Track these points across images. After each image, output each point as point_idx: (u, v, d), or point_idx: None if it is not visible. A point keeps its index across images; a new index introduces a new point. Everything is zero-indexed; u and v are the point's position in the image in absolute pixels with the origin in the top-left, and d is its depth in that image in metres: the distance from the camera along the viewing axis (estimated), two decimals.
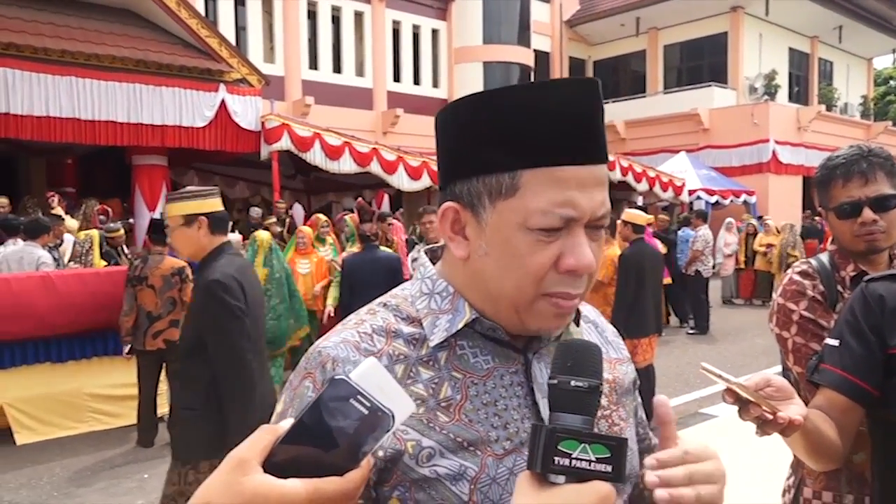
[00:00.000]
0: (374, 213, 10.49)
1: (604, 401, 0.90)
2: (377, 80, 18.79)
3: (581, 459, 0.62)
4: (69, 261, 7.12)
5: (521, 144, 0.76)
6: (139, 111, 9.57)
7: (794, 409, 1.12)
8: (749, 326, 10.35)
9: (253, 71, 11.37)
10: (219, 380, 2.46)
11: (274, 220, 9.81)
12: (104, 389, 5.81)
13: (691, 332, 10.07)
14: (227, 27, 15.54)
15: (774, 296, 1.80)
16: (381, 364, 0.78)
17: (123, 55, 9.76)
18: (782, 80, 21.82)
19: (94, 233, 7.94)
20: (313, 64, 17.80)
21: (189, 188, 2.69)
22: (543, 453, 0.62)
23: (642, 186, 15.70)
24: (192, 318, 2.60)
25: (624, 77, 24.39)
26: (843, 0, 21.97)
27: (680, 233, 10.99)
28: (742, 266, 13.07)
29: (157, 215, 9.49)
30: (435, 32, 20.30)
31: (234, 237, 7.18)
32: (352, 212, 10.20)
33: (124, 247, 7.98)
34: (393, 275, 5.29)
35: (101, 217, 9.39)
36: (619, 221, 6.15)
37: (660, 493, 0.67)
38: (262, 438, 0.57)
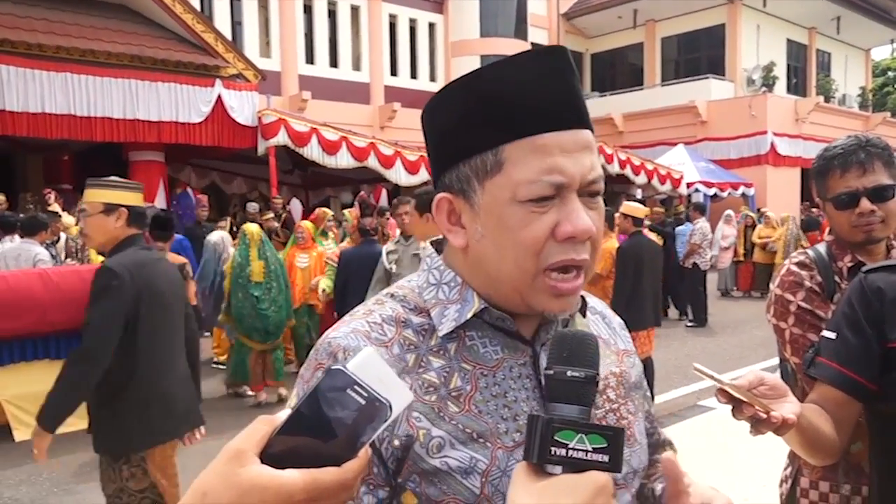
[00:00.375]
0: (375, 207, 10.49)
1: (612, 394, 0.90)
2: (374, 75, 18.75)
3: (578, 450, 0.62)
4: (66, 257, 7.11)
5: (498, 120, 0.77)
6: (135, 107, 9.56)
7: (787, 408, 1.11)
8: (748, 318, 10.36)
9: (249, 66, 11.34)
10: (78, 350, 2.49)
11: (271, 215, 9.80)
12: None
13: (690, 324, 10.09)
14: (222, 22, 15.47)
15: (772, 286, 1.80)
16: (382, 354, 0.78)
17: (119, 51, 9.73)
18: (780, 71, 21.77)
19: None
20: (310, 58, 17.75)
21: (114, 178, 2.69)
22: (540, 444, 0.62)
23: (640, 179, 15.71)
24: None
25: (621, 70, 24.34)
26: None
27: (682, 228, 10.99)
28: (741, 258, 13.08)
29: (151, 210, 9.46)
30: (432, 26, 20.24)
31: (224, 234, 7.18)
32: (351, 206, 10.20)
33: None
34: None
35: None
36: (617, 214, 6.15)
37: None
38: (258, 429, 0.57)
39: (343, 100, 17.44)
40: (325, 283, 6.19)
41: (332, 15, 18.17)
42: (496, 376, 0.81)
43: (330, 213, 8.11)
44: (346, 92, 17.83)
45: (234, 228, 8.81)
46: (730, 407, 1.12)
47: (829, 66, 24.93)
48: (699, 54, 22.15)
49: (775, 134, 19.44)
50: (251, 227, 6.25)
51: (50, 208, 8.68)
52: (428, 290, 0.86)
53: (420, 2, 19.76)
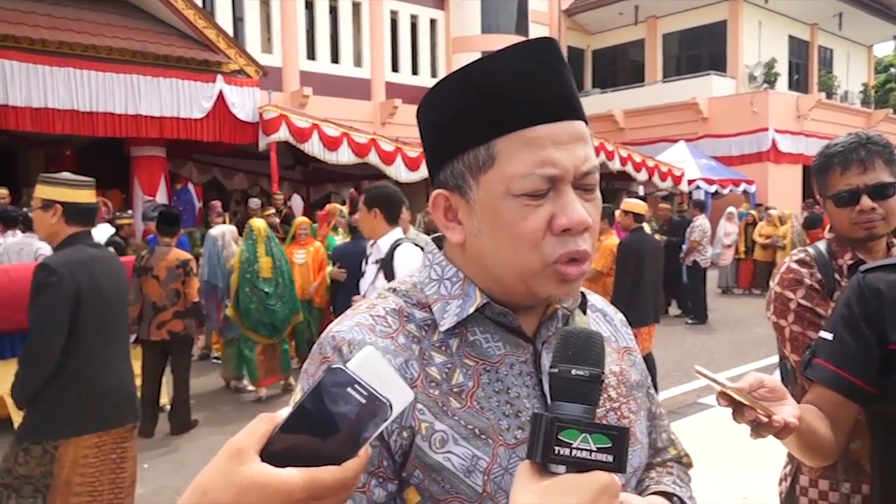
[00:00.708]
0: None
1: (613, 393, 0.89)
2: (375, 71, 18.73)
3: (581, 449, 0.61)
4: None
5: (489, 114, 0.76)
6: (137, 102, 9.56)
7: (787, 410, 1.11)
8: (748, 316, 10.36)
9: (250, 62, 11.34)
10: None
11: (273, 211, 9.81)
12: None
13: (690, 322, 10.09)
14: (224, 18, 15.45)
15: (772, 284, 1.80)
16: (388, 345, 0.79)
17: (121, 46, 9.74)
18: (782, 68, 21.73)
19: None
20: (311, 54, 17.72)
21: (62, 175, 2.71)
22: (544, 443, 0.62)
23: (642, 176, 15.68)
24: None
25: (623, 66, 24.29)
26: None
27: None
28: (741, 256, 13.07)
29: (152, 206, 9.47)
30: (433, 22, 20.21)
31: (230, 228, 7.17)
32: (345, 203, 10.21)
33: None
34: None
35: (104, 209, 9.39)
36: (618, 211, 6.15)
37: None
38: (259, 427, 0.57)
39: (344, 96, 17.43)
40: (329, 269, 6.28)
41: (333, 11, 18.14)
42: (499, 372, 0.81)
43: (341, 208, 8.14)
44: (347, 88, 17.81)
45: (235, 225, 8.81)
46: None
47: (831, 62, 24.86)
48: (700, 51, 22.10)
49: (777, 131, 19.40)
50: (258, 223, 6.28)
51: None
52: (430, 286, 0.86)
53: None
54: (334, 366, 0.58)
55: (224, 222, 8.99)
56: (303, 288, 6.78)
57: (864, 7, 22.93)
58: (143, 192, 10.73)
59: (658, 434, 1.01)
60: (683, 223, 10.89)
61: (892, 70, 33.77)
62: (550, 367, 0.67)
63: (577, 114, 0.78)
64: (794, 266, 1.75)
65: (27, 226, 6.23)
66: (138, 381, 5.69)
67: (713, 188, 17.40)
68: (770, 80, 20.56)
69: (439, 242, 0.91)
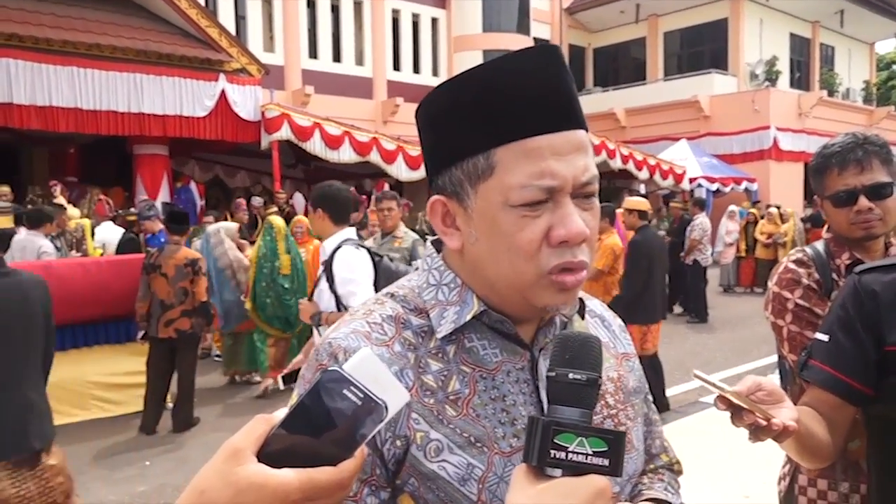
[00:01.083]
0: (363, 202, 10.50)
1: (610, 399, 0.89)
2: (377, 69, 18.72)
3: (578, 453, 0.62)
4: (70, 250, 7.16)
5: (489, 123, 0.75)
6: (140, 101, 9.60)
7: (786, 413, 1.10)
8: (750, 314, 10.36)
9: (252, 60, 11.36)
10: None
11: (275, 209, 9.83)
12: (107, 377, 5.85)
13: (692, 320, 10.09)
14: (226, 17, 15.47)
15: (770, 284, 1.80)
16: (383, 353, 0.78)
17: (124, 45, 9.78)
18: (783, 65, 21.68)
19: (86, 221, 7.97)
20: (313, 53, 17.73)
21: None
22: (540, 446, 0.62)
23: (643, 174, 15.68)
24: None
25: (624, 64, 24.26)
26: None
27: None
28: (743, 254, 13.06)
29: (157, 203, 9.49)
30: (434, 21, 20.19)
31: (227, 225, 7.20)
32: None
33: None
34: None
35: (107, 206, 9.43)
36: (620, 210, 6.17)
37: None
38: (256, 428, 0.58)
39: (346, 94, 17.43)
40: None
41: (335, 10, 18.14)
42: (496, 379, 0.81)
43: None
44: (348, 86, 17.81)
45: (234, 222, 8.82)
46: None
47: (832, 60, 24.81)
48: (702, 49, 22.06)
49: (778, 129, 19.38)
50: (277, 221, 6.40)
51: (56, 201, 8.71)
52: (427, 291, 0.85)
53: None
54: (331, 368, 0.58)
55: (226, 219, 9.00)
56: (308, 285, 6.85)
57: (866, 4, 22.88)
58: (145, 190, 10.76)
59: (652, 440, 1.00)
60: (684, 222, 10.90)
61: (895, 67, 33.68)
62: (548, 371, 0.67)
63: (577, 123, 0.77)
64: (792, 266, 1.75)
65: (30, 223, 6.26)
66: (135, 380, 5.81)
67: (714, 186, 17.38)
68: (771, 77, 20.53)
69: (438, 245, 0.90)
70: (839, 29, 24.17)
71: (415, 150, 11.96)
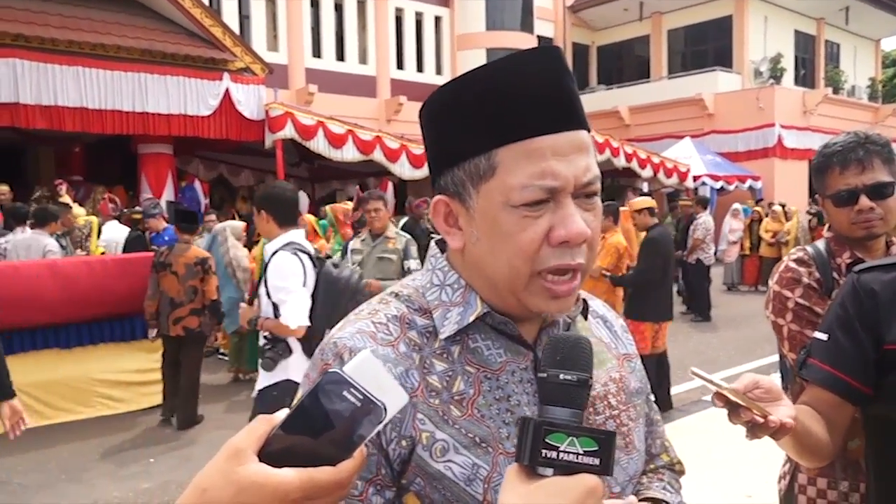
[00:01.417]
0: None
1: (613, 400, 0.90)
2: (380, 68, 18.73)
3: (568, 452, 0.62)
4: (75, 248, 7.19)
5: (490, 124, 0.76)
6: (144, 100, 9.64)
7: (783, 411, 1.10)
8: (753, 313, 10.32)
9: (256, 59, 11.38)
10: None
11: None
12: (111, 375, 5.88)
13: (695, 319, 10.08)
14: (230, 16, 15.50)
15: (770, 283, 1.80)
16: (389, 353, 0.79)
17: (129, 45, 9.83)
18: (788, 63, 21.59)
19: (94, 219, 8.00)
20: (316, 52, 17.75)
21: None
22: (531, 446, 0.63)
23: (647, 173, 15.64)
24: None
25: (628, 62, 24.20)
26: None
27: None
28: (747, 252, 13.03)
29: (162, 202, 9.52)
30: (438, 19, 20.18)
31: (233, 224, 7.22)
32: (351, 200, 10.22)
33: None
34: None
35: (112, 205, 9.47)
36: (624, 209, 6.17)
37: None
38: (257, 428, 0.59)
39: (349, 93, 17.45)
40: None
41: (338, 8, 18.15)
42: (500, 379, 0.81)
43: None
44: (352, 85, 17.83)
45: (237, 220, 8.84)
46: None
47: (837, 57, 24.70)
48: (706, 46, 21.99)
49: (783, 126, 19.32)
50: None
51: (61, 200, 8.76)
52: (431, 291, 0.86)
53: None
54: (331, 370, 0.59)
55: (233, 218, 9.03)
56: None
57: (871, 1, 22.76)
58: (150, 188, 10.80)
59: (653, 440, 1.01)
60: (691, 221, 10.87)
61: None
62: (539, 372, 0.68)
63: (579, 123, 0.78)
64: (793, 265, 1.75)
65: (37, 223, 6.29)
66: (140, 378, 5.88)
67: (719, 184, 17.33)
68: (776, 75, 20.45)
69: (442, 245, 0.91)
70: (844, 26, 24.05)
71: (418, 149, 11.96)
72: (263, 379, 3.24)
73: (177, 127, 10.00)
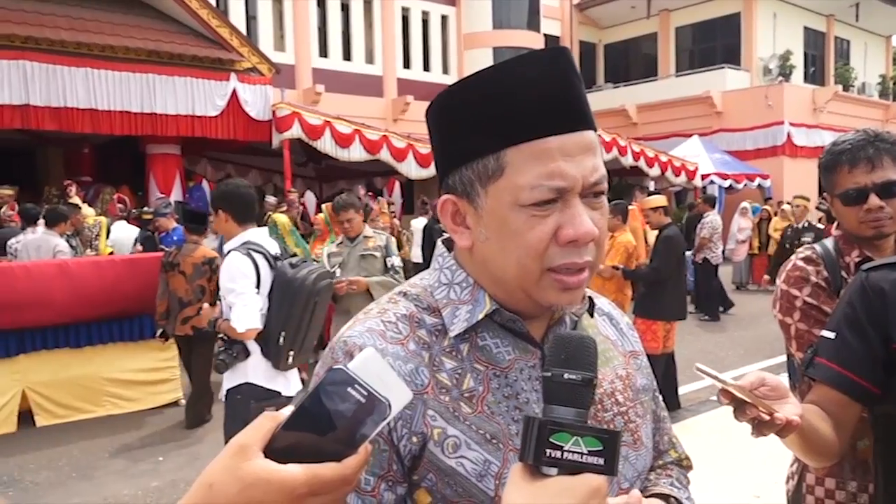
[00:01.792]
0: (374, 199, 10.53)
1: (620, 397, 0.90)
2: (387, 68, 18.74)
3: (573, 452, 0.62)
4: (86, 249, 7.24)
5: (499, 124, 0.77)
6: (153, 101, 9.69)
7: (789, 409, 1.10)
8: (762, 312, 10.26)
9: (263, 60, 11.41)
10: None
11: (286, 207, 9.88)
12: (121, 374, 5.92)
13: (704, 319, 10.03)
14: (237, 16, 15.55)
15: (778, 281, 1.79)
16: (399, 351, 0.80)
17: (137, 46, 9.88)
18: (797, 60, 21.46)
19: (103, 219, 8.06)
20: (323, 52, 17.78)
21: None
22: (536, 445, 0.63)
23: (654, 171, 15.58)
24: None
25: (635, 60, 24.11)
26: None
27: None
28: (756, 251, 12.96)
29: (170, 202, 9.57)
30: (444, 18, 20.17)
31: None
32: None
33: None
34: None
35: (120, 206, 9.53)
36: (632, 207, 6.15)
37: None
38: (263, 425, 0.59)
39: (356, 93, 17.47)
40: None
41: (345, 8, 18.18)
42: (508, 377, 0.82)
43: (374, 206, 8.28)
44: (359, 85, 17.85)
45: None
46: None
47: (847, 53, 24.52)
48: (714, 44, 21.89)
49: (792, 124, 19.20)
50: (281, 218, 6.42)
51: (71, 200, 8.82)
52: (439, 290, 0.86)
53: None
54: (335, 366, 0.60)
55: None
56: None
57: None
58: (158, 189, 10.86)
59: (661, 436, 1.02)
60: (696, 220, 10.82)
61: None
62: (543, 371, 0.68)
63: (587, 123, 0.79)
64: (801, 264, 1.73)
65: (48, 223, 6.35)
66: (149, 377, 5.95)
67: (727, 183, 17.25)
68: (785, 72, 20.33)
69: (449, 244, 0.91)
70: (854, 22, 23.88)
71: (425, 148, 11.96)
72: (226, 381, 3.21)
73: (184, 127, 10.05)
